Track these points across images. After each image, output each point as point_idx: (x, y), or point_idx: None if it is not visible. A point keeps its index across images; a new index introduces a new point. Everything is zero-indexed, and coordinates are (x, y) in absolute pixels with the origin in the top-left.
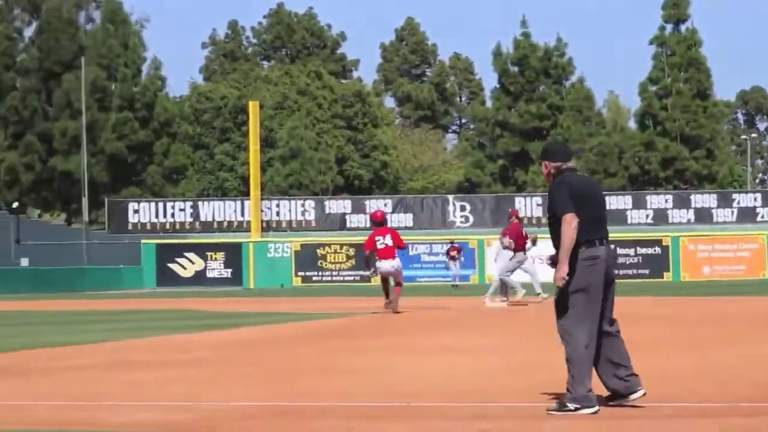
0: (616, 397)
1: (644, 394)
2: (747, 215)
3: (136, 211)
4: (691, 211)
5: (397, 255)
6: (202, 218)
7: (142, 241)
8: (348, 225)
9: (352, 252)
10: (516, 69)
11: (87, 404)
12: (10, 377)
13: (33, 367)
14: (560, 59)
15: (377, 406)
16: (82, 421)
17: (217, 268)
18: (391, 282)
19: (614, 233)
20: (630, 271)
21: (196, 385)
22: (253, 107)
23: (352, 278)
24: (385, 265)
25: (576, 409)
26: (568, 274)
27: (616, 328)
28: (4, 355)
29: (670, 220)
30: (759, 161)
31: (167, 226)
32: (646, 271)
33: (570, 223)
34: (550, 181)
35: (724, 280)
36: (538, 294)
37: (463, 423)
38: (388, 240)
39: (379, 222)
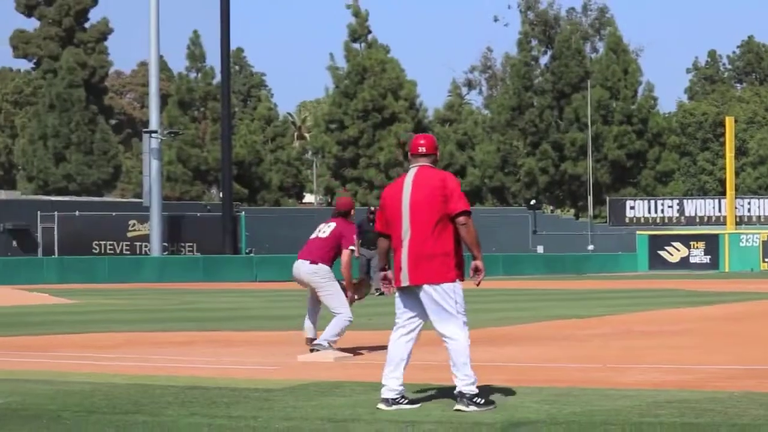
0: None
1: None
2: None
3: (632, 208)
4: None
5: None
6: (687, 213)
7: (637, 232)
8: None
9: None
10: None
11: (596, 366)
12: (535, 342)
13: (554, 335)
14: None
15: None
16: (597, 380)
17: (698, 255)
18: None
19: None
20: None
21: (685, 351)
22: (729, 122)
23: None
24: None
25: None
26: None
27: None
28: (528, 326)
29: None
30: None
31: (657, 220)
32: None
33: None
34: None
35: None
36: None
37: None
38: None
39: None
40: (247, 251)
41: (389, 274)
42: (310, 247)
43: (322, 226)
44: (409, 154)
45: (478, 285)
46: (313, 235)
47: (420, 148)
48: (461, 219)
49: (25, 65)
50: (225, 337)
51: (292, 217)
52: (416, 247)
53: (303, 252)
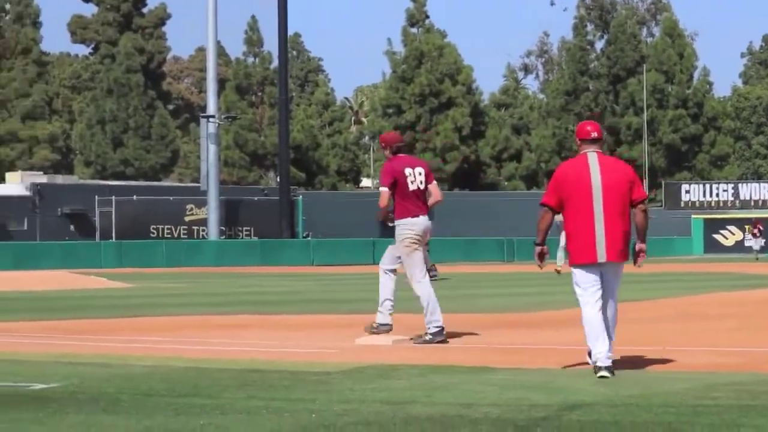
0: None
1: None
2: None
3: (687, 191)
4: None
5: None
6: (741, 197)
7: (692, 216)
8: None
9: None
10: None
11: (652, 349)
12: None
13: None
14: None
15: None
16: (652, 362)
17: (753, 238)
18: None
19: None
20: None
21: (740, 334)
22: None
23: None
24: None
25: None
26: None
27: None
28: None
29: None
30: None
31: (712, 204)
32: None
33: None
34: None
35: None
36: None
37: None
38: None
39: None
40: (304, 235)
41: (546, 249)
42: (421, 201)
43: (408, 172)
44: (577, 139)
45: (639, 266)
46: (412, 187)
47: (592, 133)
48: (642, 206)
49: (83, 51)
50: (282, 320)
51: (349, 202)
52: (611, 228)
53: (422, 207)
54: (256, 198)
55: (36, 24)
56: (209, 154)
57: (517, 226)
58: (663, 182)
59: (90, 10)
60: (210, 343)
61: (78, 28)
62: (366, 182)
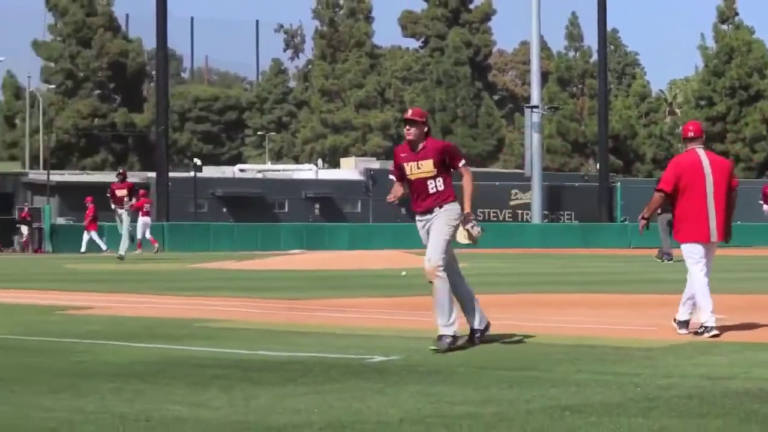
0: None
1: None
2: None
3: None
4: None
5: None
6: None
7: None
8: None
9: None
10: None
11: None
12: None
13: None
14: None
15: None
16: None
17: None
18: None
19: None
20: None
21: None
22: None
23: None
24: None
25: None
26: None
27: None
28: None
29: None
30: None
31: None
32: None
33: None
34: None
35: None
36: None
37: None
38: None
39: None
40: (622, 219)
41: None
42: None
43: None
44: (682, 137)
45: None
46: None
47: (689, 133)
48: (734, 192)
49: (413, 44)
50: (605, 299)
51: None
52: (719, 213)
53: None
54: (576, 184)
55: (368, 19)
56: (533, 142)
57: None
58: None
59: (420, 6)
60: (541, 320)
61: (408, 23)
62: None
